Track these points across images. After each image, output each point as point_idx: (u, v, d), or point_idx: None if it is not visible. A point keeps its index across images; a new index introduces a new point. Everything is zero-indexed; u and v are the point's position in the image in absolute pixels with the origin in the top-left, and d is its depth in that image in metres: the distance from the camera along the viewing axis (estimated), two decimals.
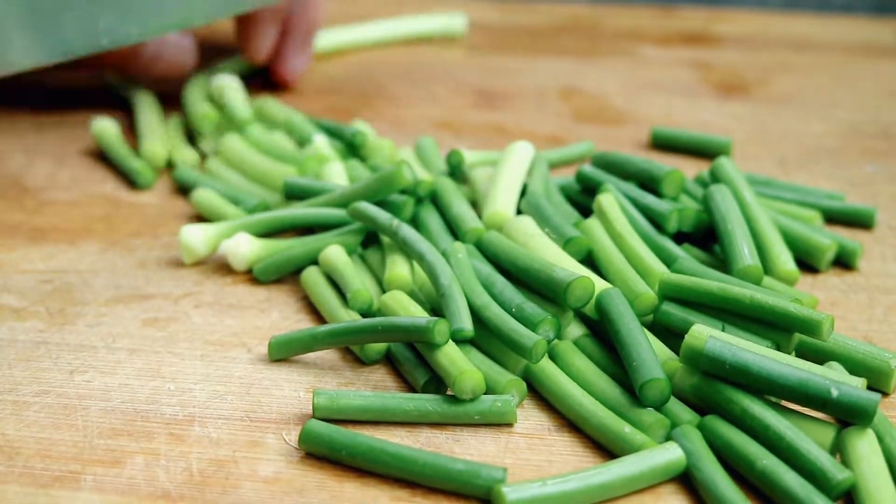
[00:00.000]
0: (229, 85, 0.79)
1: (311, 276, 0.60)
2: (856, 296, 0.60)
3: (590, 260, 0.59)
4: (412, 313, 0.55)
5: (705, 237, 0.63)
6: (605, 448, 0.48)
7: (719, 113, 0.86)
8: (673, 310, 0.54)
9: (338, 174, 0.69)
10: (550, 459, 0.48)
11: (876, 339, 0.56)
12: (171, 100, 0.84)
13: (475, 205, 0.66)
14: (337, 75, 0.94)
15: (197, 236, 0.63)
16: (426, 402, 0.50)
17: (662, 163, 0.66)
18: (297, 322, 0.58)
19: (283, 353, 0.55)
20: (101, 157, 0.78)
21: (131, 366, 0.54)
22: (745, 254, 0.57)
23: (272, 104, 0.81)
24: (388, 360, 0.55)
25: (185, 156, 0.76)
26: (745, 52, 0.99)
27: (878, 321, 0.58)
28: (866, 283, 0.62)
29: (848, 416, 0.46)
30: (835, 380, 0.47)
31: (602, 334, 0.54)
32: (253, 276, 0.62)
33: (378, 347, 0.54)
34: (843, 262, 0.63)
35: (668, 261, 0.59)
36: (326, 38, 0.97)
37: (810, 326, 0.50)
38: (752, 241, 0.59)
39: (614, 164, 0.67)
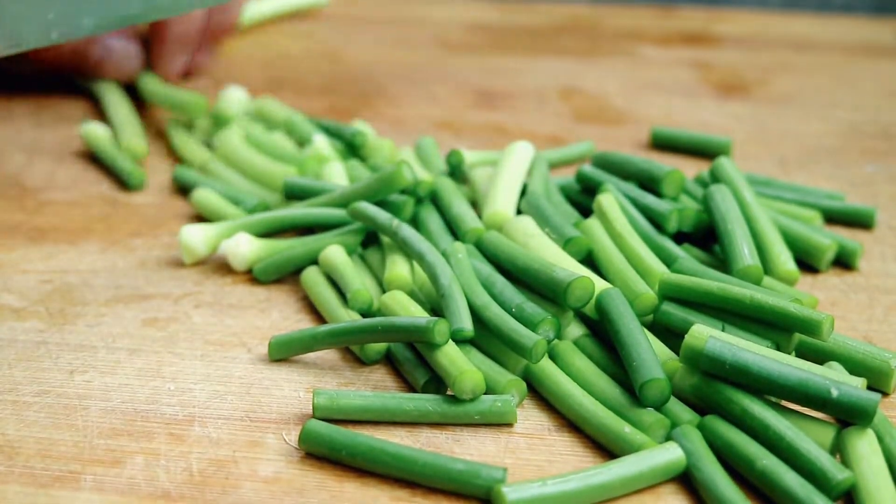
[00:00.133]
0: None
1: (311, 276, 0.60)
2: (856, 296, 0.60)
3: (590, 260, 0.59)
4: (412, 313, 0.55)
5: (705, 237, 0.63)
6: (605, 448, 0.48)
7: (719, 113, 0.86)
8: (673, 310, 0.54)
9: (338, 174, 0.69)
10: (550, 459, 0.48)
11: (876, 339, 0.56)
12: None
13: (475, 205, 0.66)
14: (337, 75, 0.94)
15: (197, 236, 0.63)
16: (426, 402, 0.50)
17: (662, 163, 0.66)
18: (297, 322, 0.58)
19: (283, 353, 0.55)
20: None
21: (131, 366, 0.54)
22: (745, 254, 0.57)
23: (272, 104, 0.81)
24: (388, 360, 0.55)
25: (197, 154, 0.75)
26: (745, 52, 0.99)
27: (878, 321, 0.58)
28: (866, 283, 0.62)
29: (848, 416, 0.46)
30: (835, 380, 0.47)
31: (602, 334, 0.54)
32: (253, 276, 0.62)
33: (378, 347, 0.54)
34: (843, 262, 0.63)
35: (668, 261, 0.59)
36: None
37: (810, 326, 0.50)
38: (752, 241, 0.59)
39: (614, 164, 0.67)
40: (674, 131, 0.80)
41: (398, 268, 0.59)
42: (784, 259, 0.59)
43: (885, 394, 0.52)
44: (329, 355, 0.55)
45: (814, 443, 0.46)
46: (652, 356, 0.49)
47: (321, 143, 0.72)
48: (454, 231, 0.62)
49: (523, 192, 0.65)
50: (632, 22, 1.07)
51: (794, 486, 0.44)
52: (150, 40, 0.86)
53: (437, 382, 0.52)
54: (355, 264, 0.61)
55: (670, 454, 0.46)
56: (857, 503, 0.44)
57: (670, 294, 0.54)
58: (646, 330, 0.52)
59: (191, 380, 0.53)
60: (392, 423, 0.50)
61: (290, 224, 0.65)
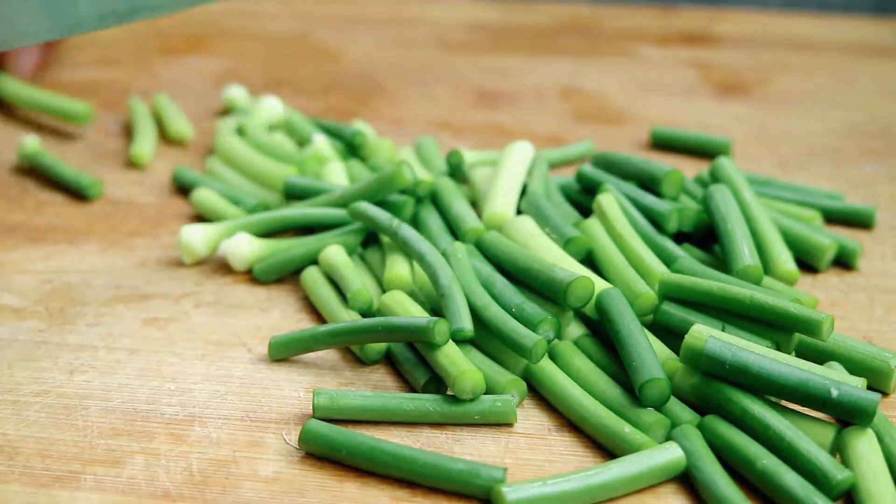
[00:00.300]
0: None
1: (311, 276, 0.60)
2: (856, 296, 0.60)
3: (590, 260, 0.59)
4: (412, 313, 0.55)
5: (705, 237, 0.63)
6: (605, 448, 0.48)
7: (719, 113, 0.86)
8: (673, 310, 0.54)
9: (338, 174, 0.69)
10: (550, 459, 0.48)
11: (876, 339, 0.56)
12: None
13: (475, 205, 0.66)
14: (337, 75, 0.94)
15: (197, 236, 0.63)
16: (426, 402, 0.50)
17: (662, 163, 0.66)
18: (297, 322, 0.58)
19: (284, 353, 0.55)
20: (101, 157, 0.78)
21: (131, 366, 0.54)
22: (745, 254, 0.57)
23: (298, 117, 0.81)
24: (388, 360, 0.55)
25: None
26: (745, 52, 0.99)
27: (878, 321, 0.58)
28: (866, 283, 0.62)
29: (848, 416, 0.46)
30: (835, 380, 0.47)
31: (602, 334, 0.54)
32: (253, 276, 0.62)
33: (378, 347, 0.54)
34: (843, 262, 0.63)
35: (668, 261, 0.59)
36: None
37: (810, 326, 0.50)
38: (752, 241, 0.59)
39: (614, 164, 0.67)
40: (674, 131, 0.80)
41: (398, 268, 0.59)
42: (784, 259, 0.59)
43: (885, 394, 0.52)
44: (329, 355, 0.55)
45: (814, 443, 0.46)
46: (652, 356, 0.49)
47: (321, 143, 0.72)
48: (454, 231, 0.62)
49: (523, 192, 0.65)
50: (632, 22, 1.07)
51: (794, 486, 0.44)
52: None
53: (437, 382, 0.52)
54: (355, 264, 0.61)
55: (670, 454, 0.46)
56: (857, 503, 0.44)
57: (670, 294, 0.54)
58: (646, 330, 0.52)
59: (191, 380, 0.53)
60: (392, 423, 0.50)
61: (290, 224, 0.65)
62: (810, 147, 0.79)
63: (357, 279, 0.58)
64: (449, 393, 0.51)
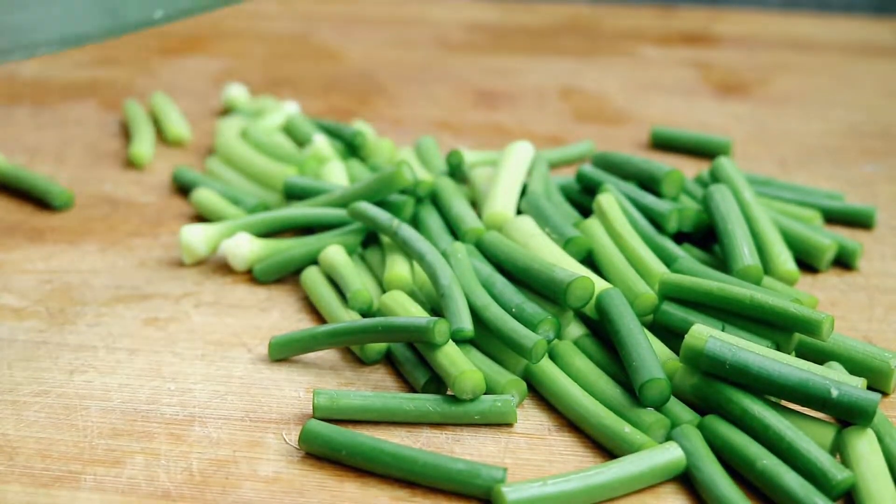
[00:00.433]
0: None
1: (311, 276, 0.60)
2: (856, 296, 0.60)
3: (590, 260, 0.59)
4: (412, 313, 0.55)
5: (705, 237, 0.63)
6: (605, 448, 0.48)
7: (719, 113, 0.86)
8: (673, 310, 0.54)
9: (338, 174, 0.69)
10: (550, 459, 0.48)
11: (876, 339, 0.56)
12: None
13: (475, 205, 0.66)
14: (337, 75, 0.94)
15: (197, 236, 0.63)
16: (426, 402, 0.50)
17: (662, 163, 0.66)
18: (297, 322, 0.58)
19: (284, 353, 0.55)
20: (101, 157, 0.78)
21: (131, 366, 0.54)
22: (745, 254, 0.57)
23: (272, 104, 0.81)
24: (388, 360, 0.55)
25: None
26: (745, 52, 0.99)
27: (878, 321, 0.58)
28: (866, 283, 0.62)
29: (848, 416, 0.46)
30: (835, 380, 0.47)
31: (602, 334, 0.54)
32: (253, 276, 0.62)
33: (378, 347, 0.54)
34: (843, 262, 0.63)
35: (668, 261, 0.59)
36: None
37: (810, 326, 0.50)
38: (752, 241, 0.59)
39: (614, 164, 0.67)
40: (674, 131, 0.80)
41: (398, 268, 0.59)
42: (784, 259, 0.59)
43: (885, 394, 0.52)
44: (329, 355, 0.55)
45: (814, 443, 0.46)
46: (652, 356, 0.49)
47: (321, 143, 0.72)
48: (454, 231, 0.62)
49: (523, 192, 0.65)
50: (632, 22, 1.07)
51: (794, 486, 0.44)
52: None
53: (437, 382, 0.52)
54: (355, 264, 0.61)
55: (670, 454, 0.46)
56: (857, 503, 0.44)
57: (670, 294, 0.54)
58: (646, 330, 0.52)
59: (191, 380, 0.53)
60: (392, 423, 0.50)
61: (290, 224, 0.65)
62: (810, 147, 0.79)
63: (357, 279, 0.58)
64: (449, 393, 0.51)
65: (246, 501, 0.45)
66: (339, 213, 0.63)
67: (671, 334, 0.53)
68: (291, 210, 0.65)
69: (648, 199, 0.63)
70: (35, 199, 0.71)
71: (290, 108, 0.81)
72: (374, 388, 0.53)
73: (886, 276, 0.62)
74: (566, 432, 0.50)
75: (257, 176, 0.71)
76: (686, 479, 0.47)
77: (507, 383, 0.51)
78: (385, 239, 0.62)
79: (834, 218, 0.67)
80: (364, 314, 0.57)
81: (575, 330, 0.55)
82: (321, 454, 0.48)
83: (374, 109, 0.86)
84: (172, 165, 0.76)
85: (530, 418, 0.51)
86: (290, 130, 0.77)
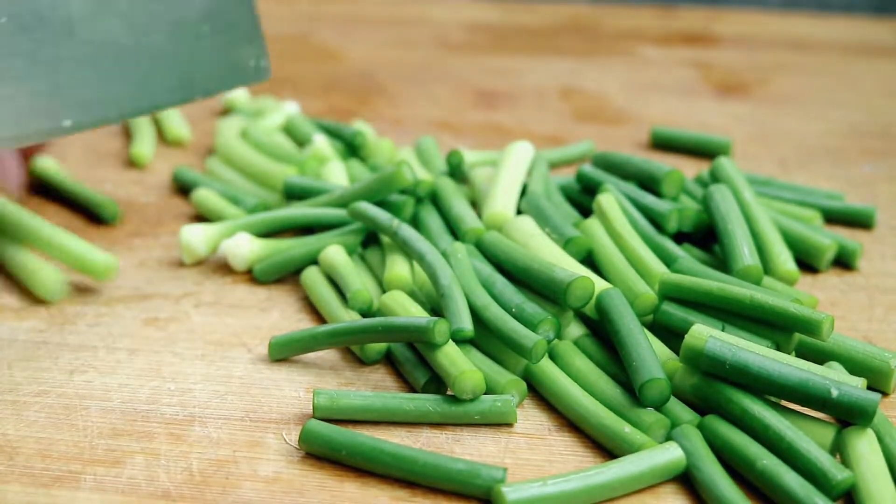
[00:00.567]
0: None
1: (311, 276, 0.60)
2: (856, 296, 0.60)
3: (590, 260, 0.59)
4: (412, 313, 0.55)
5: (705, 237, 0.63)
6: (605, 448, 0.48)
7: (719, 113, 0.86)
8: (673, 310, 0.54)
9: (338, 174, 0.69)
10: (550, 459, 0.48)
11: (876, 339, 0.56)
12: None
13: (475, 205, 0.66)
14: (337, 75, 0.94)
15: (197, 236, 0.63)
16: (426, 402, 0.50)
17: (662, 163, 0.66)
18: (297, 322, 0.58)
19: (284, 353, 0.55)
20: (101, 157, 0.78)
21: (131, 366, 0.54)
22: (745, 254, 0.57)
23: (272, 104, 0.81)
24: (388, 360, 0.55)
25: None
26: (745, 52, 0.99)
27: (878, 321, 0.58)
28: (866, 283, 0.62)
29: (848, 416, 0.46)
30: (835, 380, 0.47)
31: (602, 334, 0.54)
32: (253, 276, 0.62)
33: (378, 347, 0.54)
34: (843, 262, 0.63)
35: (668, 261, 0.59)
36: None
37: (810, 326, 0.50)
38: (752, 241, 0.59)
39: (614, 164, 0.67)
40: (674, 131, 0.80)
41: (398, 268, 0.59)
42: (784, 259, 0.59)
43: (885, 394, 0.52)
44: (329, 355, 0.55)
45: (814, 443, 0.46)
46: (652, 356, 0.49)
47: (321, 143, 0.72)
48: (454, 231, 0.62)
49: (523, 192, 0.65)
50: (632, 22, 1.08)
51: (794, 486, 0.44)
52: None
53: (437, 382, 0.52)
54: (355, 264, 0.61)
55: (670, 454, 0.46)
56: (857, 503, 0.44)
57: (670, 294, 0.54)
58: (646, 330, 0.52)
59: (191, 380, 0.53)
60: (392, 423, 0.50)
61: (290, 224, 0.65)
62: (810, 147, 0.79)
63: (357, 279, 0.58)
64: (449, 393, 0.51)
65: (246, 501, 0.45)
66: (339, 213, 0.63)
67: (671, 334, 0.53)
68: (291, 210, 0.65)
69: (648, 199, 0.63)
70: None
71: (290, 108, 0.81)
72: (374, 388, 0.53)
73: (886, 276, 0.62)
74: (566, 432, 0.50)
75: (257, 176, 0.71)
76: (686, 479, 0.47)
77: (507, 383, 0.51)
78: (385, 239, 0.62)
79: (834, 218, 0.67)
80: (364, 314, 0.57)
81: (575, 330, 0.55)
82: (321, 454, 0.48)
83: (374, 109, 0.86)
84: (172, 165, 0.76)
85: (530, 418, 0.51)
86: (290, 130, 0.77)
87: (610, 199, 0.61)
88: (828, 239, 0.62)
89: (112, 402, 0.52)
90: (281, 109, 0.80)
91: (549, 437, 0.50)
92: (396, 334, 0.52)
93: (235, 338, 0.57)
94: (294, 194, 0.67)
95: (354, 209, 0.62)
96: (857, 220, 0.67)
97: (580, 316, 0.55)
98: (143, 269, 0.63)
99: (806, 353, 0.52)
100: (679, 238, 0.63)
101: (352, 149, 0.73)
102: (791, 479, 0.44)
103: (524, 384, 0.51)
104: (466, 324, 0.52)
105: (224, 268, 0.63)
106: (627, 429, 0.48)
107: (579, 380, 0.51)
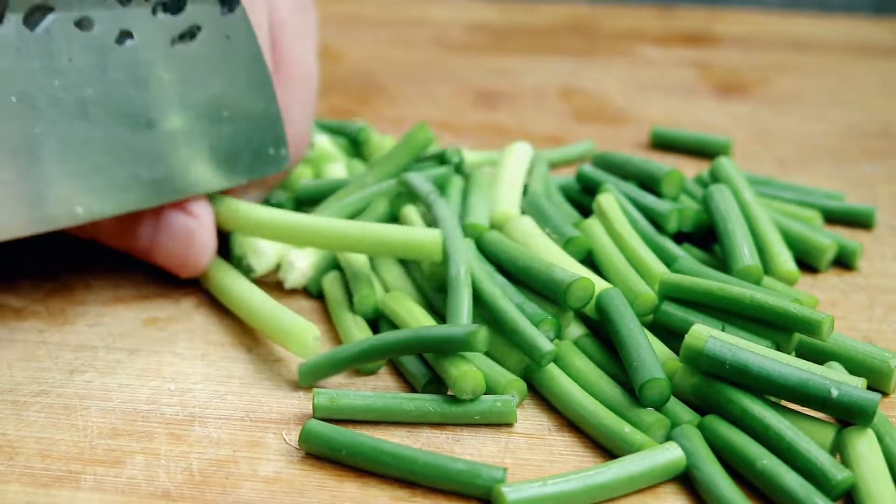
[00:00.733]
0: None
1: (327, 280, 0.60)
2: (856, 296, 0.60)
3: (590, 260, 0.59)
4: (413, 313, 0.55)
5: (705, 237, 0.63)
6: (605, 448, 0.48)
7: (719, 113, 0.86)
8: (673, 310, 0.54)
9: (339, 174, 0.69)
10: (550, 459, 0.48)
11: (876, 339, 0.56)
12: None
13: None
14: (337, 75, 0.94)
15: (269, 246, 0.61)
16: (426, 402, 0.50)
17: (662, 163, 0.66)
18: None
19: (314, 378, 0.52)
20: None
21: (131, 366, 0.54)
22: (745, 254, 0.57)
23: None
24: (389, 361, 0.55)
25: None
26: (745, 52, 0.99)
27: (878, 321, 0.58)
28: (866, 283, 0.62)
29: (848, 416, 0.46)
30: (835, 380, 0.47)
31: (602, 334, 0.54)
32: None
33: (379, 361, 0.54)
34: (843, 262, 0.63)
35: (668, 261, 0.59)
36: None
37: (810, 326, 0.50)
38: (752, 241, 0.59)
39: (614, 164, 0.67)
40: (674, 131, 0.80)
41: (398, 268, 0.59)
42: (784, 259, 0.59)
43: (885, 394, 0.52)
44: None
45: (814, 443, 0.46)
46: (652, 356, 0.49)
47: (324, 142, 0.72)
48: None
49: (523, 192, 0.65)
50: (632, 22, 1.08)
51: (794, 486, 0.44)
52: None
53: (437, 382, 0.52)
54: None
55: (670, 454, 0.46)
56: (857, 503, 0.44)
57: (670, 294, 0.54)
58: (646, 330, 0.52)
59: (191, 380, 0.53)
60: (392, 423, 0.50)
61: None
62: (810, 147, 0.79)
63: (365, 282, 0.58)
64: (449, 393, 0.51)
65: (246, 501, 0.46)
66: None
67: (671, 334, 0.53)
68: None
69: (648, 199, 0.63)
70: None
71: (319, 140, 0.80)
72: (374, 388, 0.53)
73: (886, 276, 0.62)
74: (566, 432, 0.50)
75: None
76: (686, 479, 0.47)
77: (507, 383, 0.51)
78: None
79: (834, 218, 0.67)
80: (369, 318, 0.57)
81: (575, 330, 0.54)
82: (321, 454, 0.48)
83: (374, 109, 0.86)
84: None
85: (530, 418, 0.51)
86: None
87: (610, 199, 0.61)
88: (828, 239, 0.62)
89: (112, 402, 0.52)
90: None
91: (549, 437, 0.50)
92: (432, 346, 0.51)
93: (235, 338, 0.57)
94: (309, 198, 0.66)
95: (403, 179, 0.62)
96: (857, 220, 0.67)
97: (580, 316, 0.55)
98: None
99: (806, 353, 0.52)
100: (679, 238, 0.63)
101: (355, 145, 0.73)
102: (791, 479, 0.44)
103: (524, 384, 0.51)
104: (464, 320, 0.52)
105: None
106: (627, 429, 0.48)
107: (579, 380, 0.51)
